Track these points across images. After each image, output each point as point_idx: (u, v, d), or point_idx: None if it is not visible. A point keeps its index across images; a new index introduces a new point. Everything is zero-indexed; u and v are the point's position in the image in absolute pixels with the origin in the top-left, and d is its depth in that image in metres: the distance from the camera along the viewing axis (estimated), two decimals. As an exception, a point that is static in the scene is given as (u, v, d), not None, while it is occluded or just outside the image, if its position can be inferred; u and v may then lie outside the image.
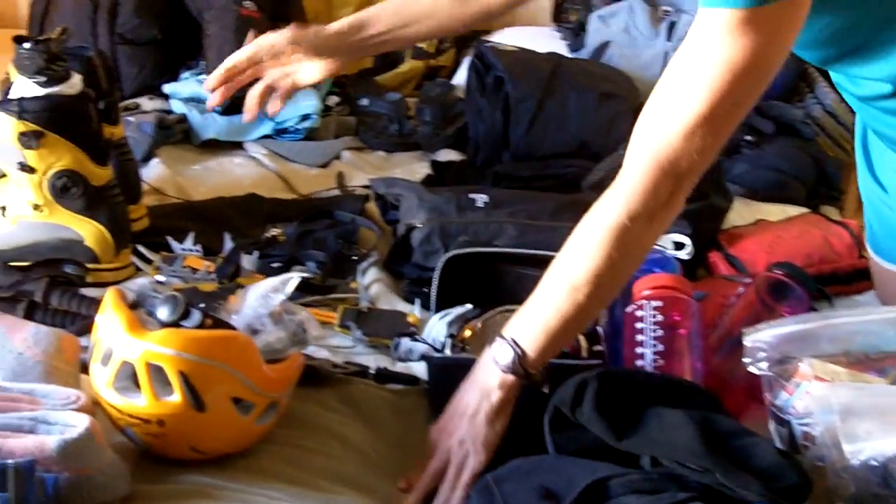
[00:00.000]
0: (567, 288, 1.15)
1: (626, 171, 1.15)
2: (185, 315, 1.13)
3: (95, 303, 1.45)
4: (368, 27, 1.56)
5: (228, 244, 1.62)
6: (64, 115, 1.52)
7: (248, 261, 1.55)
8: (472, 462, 1.16)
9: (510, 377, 1.17)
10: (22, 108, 1.48)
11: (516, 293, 1.27)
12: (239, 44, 2.22)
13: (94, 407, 1.14)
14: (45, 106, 1.50)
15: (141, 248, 1.63)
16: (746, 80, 1.09)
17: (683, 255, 1.47)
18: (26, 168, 1.51)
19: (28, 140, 1.49)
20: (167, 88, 2.28)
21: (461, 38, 2.79)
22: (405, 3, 1.58)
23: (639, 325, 1.28)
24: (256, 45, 1.57)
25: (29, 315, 1.44)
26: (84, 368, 1.27)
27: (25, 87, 1.51)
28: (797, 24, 1.10)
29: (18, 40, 1.51)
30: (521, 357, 1.16)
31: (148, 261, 1.62)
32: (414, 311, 1.52)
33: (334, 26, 1.57)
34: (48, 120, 1.50)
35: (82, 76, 1.57)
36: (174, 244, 1.63)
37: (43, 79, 1.50)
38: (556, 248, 1.19)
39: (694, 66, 1.09)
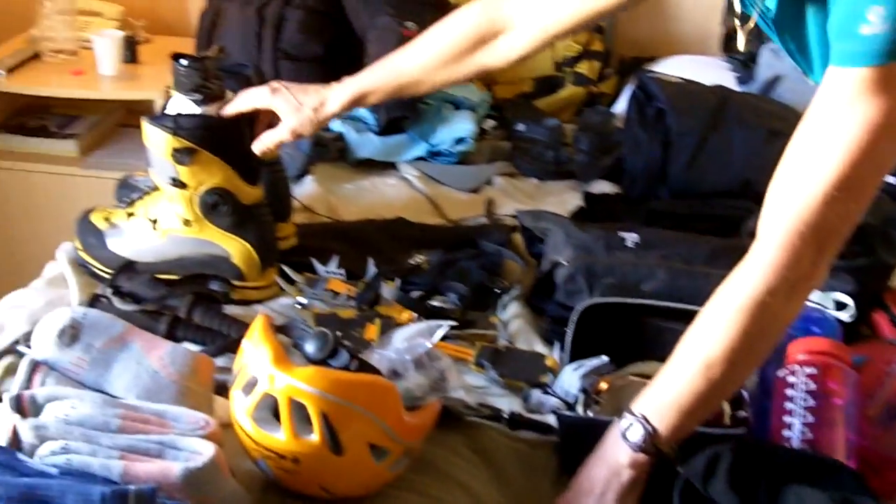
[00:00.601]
0: (701, 364, 1.09)
1: (763, 240, 1.08)
2: (333, 354, 1.12)
3: (237, 322, 1.46)
4: (366, 99, 1.58)
5: (372, 270, 1.61)
6: (217, 133, 1.54)
7: (387, 290, 1.53)
8: None
9: (641, 456, 1.11)
10: (177, 125, 1.50)
11: (657, 347, 1.22)
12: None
13: (222, 432, 1.14)
14: (199, 124, 1.52)
15: (286, 269, 1.63)
16: (887, 141, 1.02)
17: (845, 316, 1.37)
18: (178, 183, 1.54)
19: (181, 156, 1.51)
20: (327, 105, 2.29)
21: (624, 64, 2.73)
22: (398, 71, 1.56)
23: (789, 393, 1.19)
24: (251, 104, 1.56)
25: (172, 330, 1.46)
26: (218, 390, 1.28)
27: (181, 104, 1.54)
28: None
29: (176, 58, 1.53)
30: (652, 435, 1.10)
31: (291, 281, 1.62)
32: (553, 354, 1.46)
33: (334, 107, 1.56)
34: (201, 138, 1.51)
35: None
36: (318, 266, 1.63)
37: (199, 96, 1.52)
38: (708, 296, 1.12)
39: (830, 127, 1.03)
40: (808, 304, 1.35)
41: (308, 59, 2.45)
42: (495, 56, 1.53)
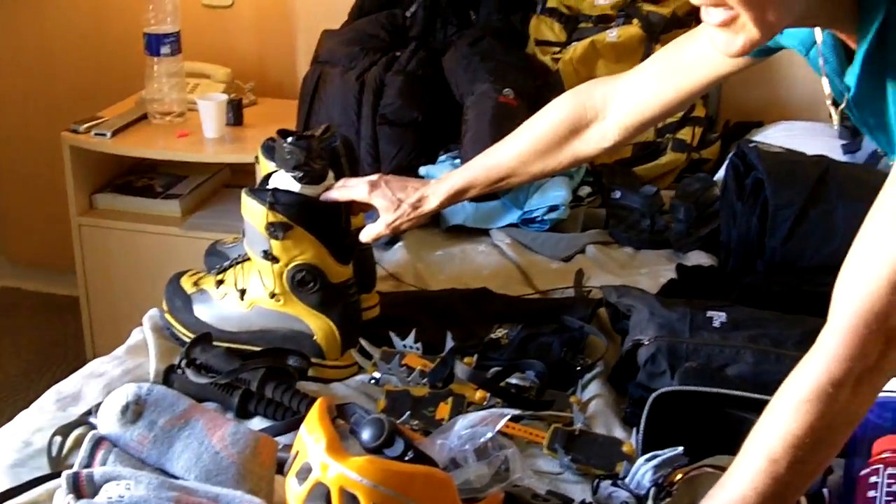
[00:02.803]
0: (765, 460, 1.03)
1: (828, 328, 1.03)
2: (389, 442, 1.09)
3: (308, 399, 1.45)
4: (465, 194, 1.60)
5: (449, 344, 1.58)
6: (314, 212, 1.54)
7: (461, 369, 1.49)
8: None
9: None
10: (275, 200, 1.51)
11: (739, 439, 1.14)
12: (495, 128, 2.25)
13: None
14: (297, 201, 1.53)
15: (364, 343, 1.61)
16: None
17: (941, 411, 1.28)
18: (269, 256, 1.54)
19: (275, 231, 1.51)
20: (423, 171, 2.29)
21: (729, 129, 2.66)
22: (495, 164, 1.59)
23: (871, 494, 1.12)
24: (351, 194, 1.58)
25: (243, 403, 1.46)
26: (280, 468, 1.26)
27: (282, 179, 1.55)
28: None
29: (282, 134, 1.54)
30: None
31: (369, 356, 1.60)
32: (632, 440, 1.41)
33: (434, 203, 1.58)
34: (298, 215, 1.52)
35: (333, 172, 1.60)
36: (396, 340, 1.61)
37: (300, 174, 1.53)
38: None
39: None
40: (902, 396, 1.27)
41: (406, 124, 2.47)
42: (588, 145, 1.54)
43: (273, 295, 1.57)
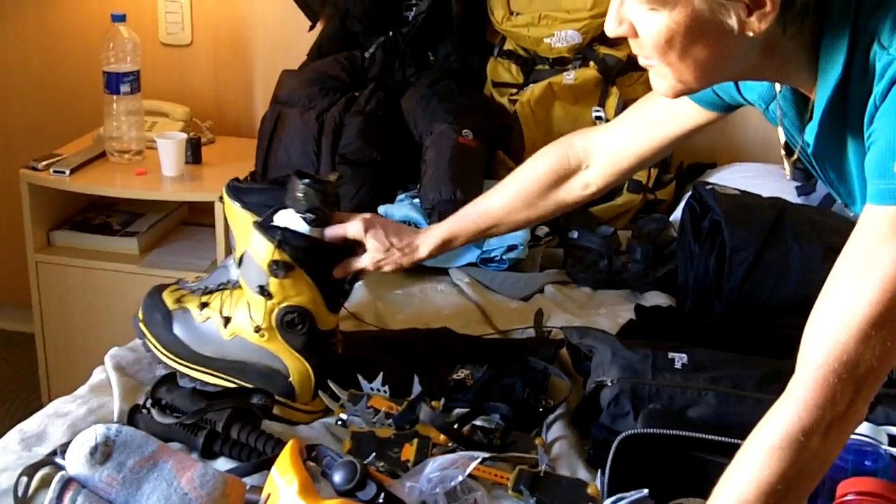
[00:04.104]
0: None
1: (799, 377, 1.05)
2: (362, 485, 1.10)
3: (273, 440, 1.45)
4: (452, 243, 1.67)
5: (417, 388, 1.58)
6: (319, 257, 1.56)
7: (424, 413, 1.50)
8: None
9: None
10: (284, 239, 1.52)
11: (703, 482, 1.16)
12: (455, 169, 2.27)
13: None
14: (306, 244, 1.54)
15: (332, 386, 1.61)
16: None
17: (899, 452, 1.32)
18: (265, 292, 1.54)
19: (277, 269, 1.52)
20: (381, 210, 2.30)
21: (683, 171, 2.71)
22: (482, 213, 1.66)
23: (836, 536, 1.14)
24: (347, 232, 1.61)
25: (209, 444, 1.45)
26: (249, 510, 1.26)
27: (289, 219, 1.56)
28: None
29: (299, 175, 1.55)
30: None
31: (336, 398, 1.60)
32: (596, 481, 1.42)
33: (423, 253, 1.65)
34: (303, 258, 1.53)
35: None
36: (364, 383, 1.61)
37: (312, 217, 1.54)
38: (755, 426, 1.08)
39: (866, 265, 1.01)
40: (861, 438, 1.30)
41: (365, 164, 2.48)
42: (571, 193, 1.62)
43: (258, 329, 1.57)
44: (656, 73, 1.12)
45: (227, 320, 1.59)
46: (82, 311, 2.78)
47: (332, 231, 1.59)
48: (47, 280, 2.77)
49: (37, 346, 2.87)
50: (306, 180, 1.55)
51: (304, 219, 1.55)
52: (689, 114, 1.43)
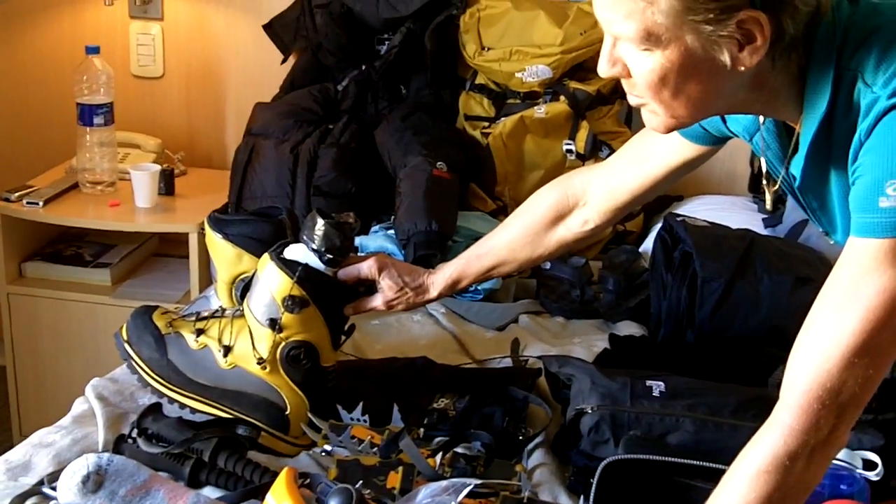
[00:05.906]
0: None
1: (784, 403, 1.09)
2: None
3: (260, 469, 1.46)
4: (460, 283, 1.71)
5: (397, 418, 1.60)
6: (333, 296, 1.59)
7: (405, 444, 1.51)
8: None
9: None
10: (305, 276, 1.54)
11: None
12: (430, 201, 2.30)
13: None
14: (325, 282, 1.56)
15: (312, 417, 1.63)
16: None
17: (873, 476, 1.36)
18: (275, 326, 1.55)
19: (292, 304, 1.54)
20: (357, 241, 2.32)
21: (650, 203, 2.76)
22: (487, 252, 1.70)
23: (815, 558, 1.18)
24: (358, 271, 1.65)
25: (195, 473, 1.46)
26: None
27: (303, 254, 1.57)
28: None
29: (321, 213, 1.57)
30: None
31: (318, 429, 1.62)
32: (577, 508, 1.45)
33: (434, 293, 1.70)
34: (319, 295, 1.55)
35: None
36: (344, 414, 1.62)
37: (330, 257, 1.56)
38: (734, 450, 1.13)
39: (849, 295, 1.05)
40: (837, 462, 1.34)
41: (340, 196, 2.51)
42: (571, 230, 1.65)
43: (261, 361, 1.57)
44: (648, 109, 1.16)
45: (227, 349, 1.60)
46: (54, 342, 2.77)
47: (347, 270, 1.62)
48: (19, 312, 2.77)
49: (8, 378, 2.85)
50: (328, 219, 1.56)
51: (322, 258, 1.56)
52: (678, 149, 1.46)
